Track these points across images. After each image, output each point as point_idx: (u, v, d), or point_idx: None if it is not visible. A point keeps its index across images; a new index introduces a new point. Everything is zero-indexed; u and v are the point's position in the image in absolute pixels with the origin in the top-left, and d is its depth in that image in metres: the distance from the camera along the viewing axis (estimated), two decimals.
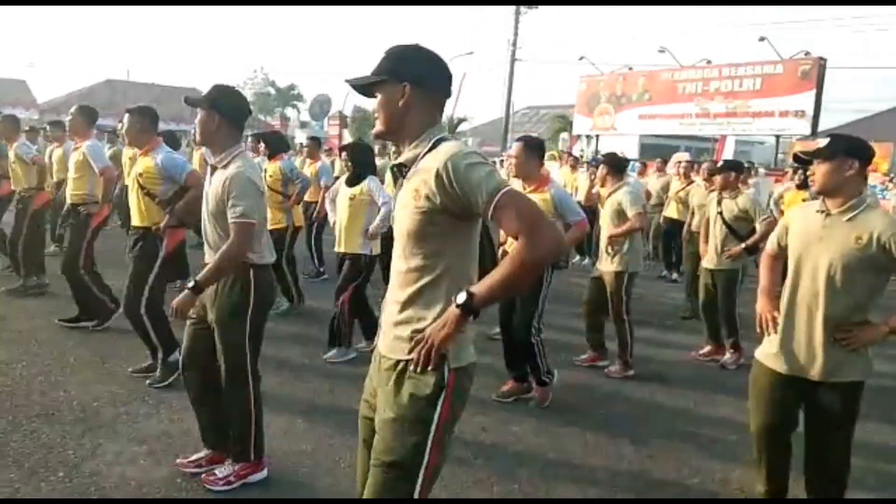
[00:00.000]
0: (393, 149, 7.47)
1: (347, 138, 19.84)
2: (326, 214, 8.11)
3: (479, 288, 1.74)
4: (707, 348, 5.80)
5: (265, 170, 6.35)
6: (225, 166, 2.95)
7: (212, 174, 3.03)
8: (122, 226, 9.93)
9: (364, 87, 1.91)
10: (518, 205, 1.70)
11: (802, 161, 2.85)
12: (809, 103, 18.28)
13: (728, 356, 5.60)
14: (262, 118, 41.18)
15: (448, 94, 1.94)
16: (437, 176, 1.71)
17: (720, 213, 5.52)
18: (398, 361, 1.85)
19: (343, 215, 5.03)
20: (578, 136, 25.19)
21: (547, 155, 15.24)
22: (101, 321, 5.35)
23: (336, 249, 5.15)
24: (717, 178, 5.66)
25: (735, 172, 5.66)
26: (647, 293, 8.41)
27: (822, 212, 2.71)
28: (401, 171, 1.88)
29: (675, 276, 9.22)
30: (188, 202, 4.16)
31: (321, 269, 8.03)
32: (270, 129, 35.77)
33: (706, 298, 5.74)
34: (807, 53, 18.57)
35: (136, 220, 4.29)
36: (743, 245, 5.41)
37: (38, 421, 3.66)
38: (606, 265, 5.15)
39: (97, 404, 3.94)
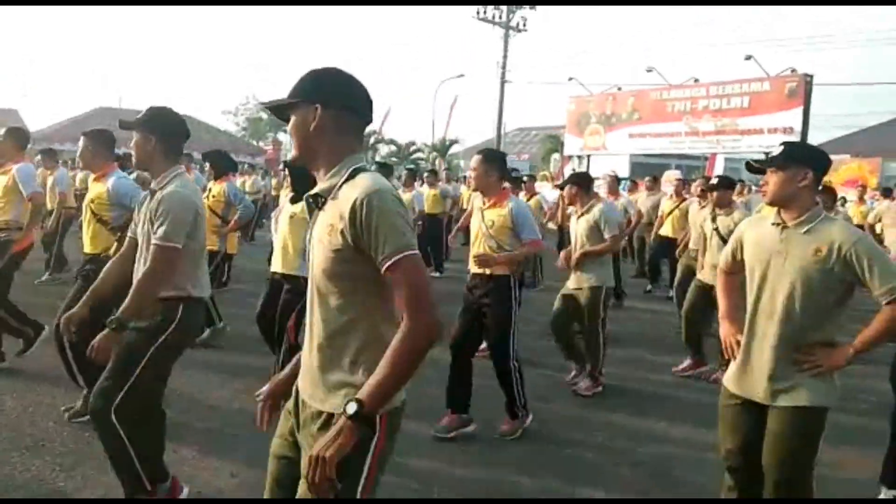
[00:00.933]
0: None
1: None
2: None
3: (368, 392, 1.62)
4: (687, 362, 5.77)
5: (209, 189, 6.22)
6: (162, 188, 2.84)
7: (150, 198, 2.87)
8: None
9: (281, 111, 1.84)
10: (415, 275, 1.64)
11: (756, 170, 2.70)
12: (797, 120, 18.49)
13: (721, 373, 5.55)
14: (255, 143, 41.32)
15: (368, 120, 1.85)
16: (353, 209, 1.63)
17: (716, 229, 5.58)
18: (321, 412, 1.75)
19: (283, 234, 4.69)
20: (570, 157, 25.35)
21: (538, 175, 15.39)
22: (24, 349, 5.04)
23: (272, 269, 4.81)
24: (714, 195, 5.73)
25: (731, 190, 5.81)
26: (638, 313, 8.42)
27: (778, 224, 2.55)
28: (316, 202, 1.77)
29: (670, 293, 9.20)
30: None
31: None
32: (264, 154, 35.98)
33: (692, 310, 5.73)
34: (793, 71, 18.81)
35: (86, 247, 4.16)
36: None
37: (28, 453, 3.60)
38: (581, 282, 5.17)
39: (88, 435, 3.86)
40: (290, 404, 1.89)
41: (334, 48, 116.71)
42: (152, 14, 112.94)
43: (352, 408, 1.60)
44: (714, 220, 5.64)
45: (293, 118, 1.79)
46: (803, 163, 2.51)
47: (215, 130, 36.91)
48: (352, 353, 1.72)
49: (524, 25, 29.02)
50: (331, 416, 1.71)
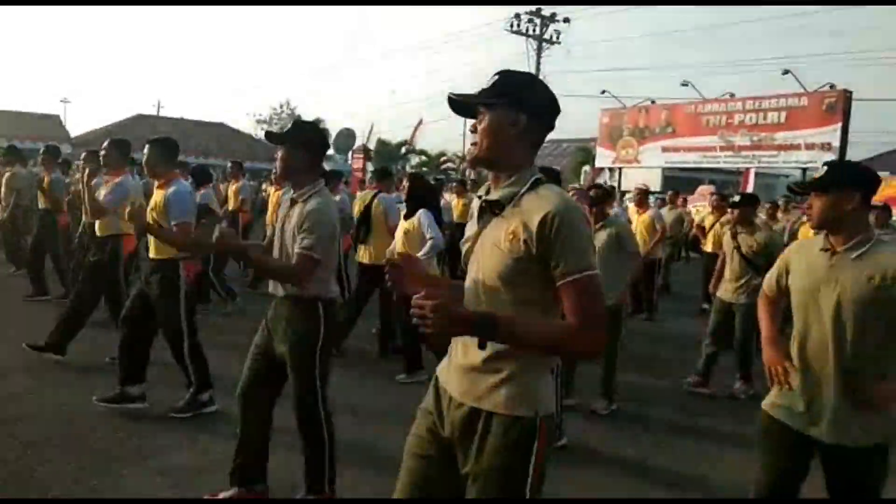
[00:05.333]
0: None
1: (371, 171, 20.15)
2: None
3: (510, 321, 1.63)
4: (695, 378, 5.69)
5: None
6: (305, 200, 3.00)
7: (290, 207, 3.06)
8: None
9: (464, 105, 1.79)
10: (596, 298, 1.64)
11: (797, 193, 2.52)
12: (836, 136, 18.12)
13: (739, 385, 5.60)
14: None
15: (550, 131, 1.83)
16: (543, 222, 1.63)
17: (737, 247, 5.51)
18: (480, 411, 1.74)
19: (397, 247, 5.38)
20: (601, 169, 25.19)
21: (568, 188, 15.26)
22: None
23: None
24: (736, 213, 5.65)
25: (753, 207, 5.76)
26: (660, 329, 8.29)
27: (827, 250, 2.39)
28: (492, 208, 1.75)
29: (705, 305, 9.15)
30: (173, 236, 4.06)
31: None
32: None
33: (717, 330, 5.67)
34: (832, 86, 18.47)
35: (151, 252, 4.27)
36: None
37: (61, 450, 3.67)
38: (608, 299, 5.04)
39: (121, 435, 3.94)
40: (428, 403, 1.90)
41: (365, 56, 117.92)
42: (188, 22, 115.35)
43: (486, 320, 1.59)
44: (735, 237, 5.56)
45: (488, 117, 1.74)
46: (850, 185, 2.34)
47: (249, 138, 37.51)
48: (513, 360, 1.71)
49: (557, 38, 28.99)
50: (487, 414, 1.72)
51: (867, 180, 2.40)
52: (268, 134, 3.19)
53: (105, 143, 5.11)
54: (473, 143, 1.78)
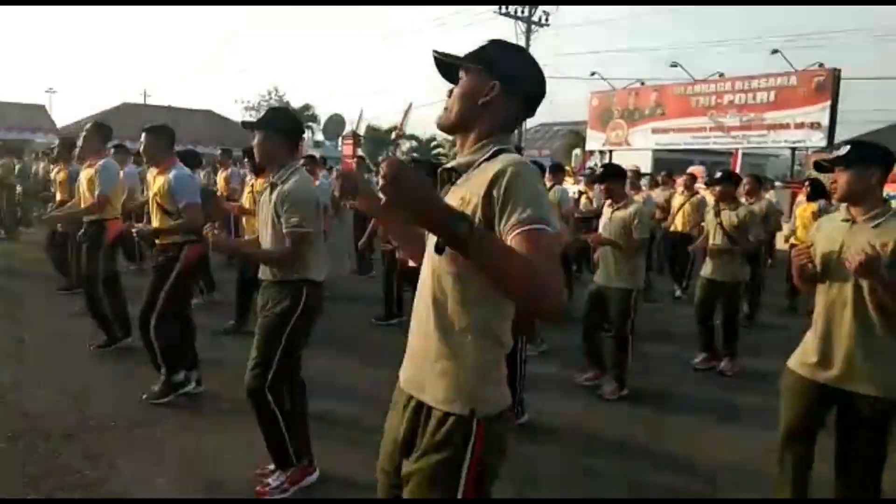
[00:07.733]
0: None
1: None
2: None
3: (486, 233, 1.40)
4: (701, 356, 5.80)
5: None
6: (283, 181, 3.08)
7: (271, 192, 3.12)
8: None
9: (448, 67, 1.68)
10: (550, 256, 1.40)
11: (824, 169, 2.85)
12: (825, 115, 18.18)
13: (725, 363, 5.68)
14: None
15: (530, 114, 1.70)
16: (494, 180, 1.46)
17: (720, 223, 5.58)
18: (423, 405, 1.60)
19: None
20: (592, 152, 25.18)
21: None
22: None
23: None
24: (717, 189, 5.71)
25: (734, 184, 5.82)
26: (651, 311, 8.33)
27: (848, 220, 2.71)
28: (450, 177, 1.63)
29: (678, 292, 8.94)
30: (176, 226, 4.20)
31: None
32: None
33: (702, 307, 5.75)
34: (821, 65, 18.50)
35: (157, 239, 4.33)
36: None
37: (56, 442, 3.67)
38: (615, 281, 4.90)
39: (115, 425, 3.94)
40: (394, 399, 1.75)
41: (353, 42, 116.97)
42: (173, 9, 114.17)
43: (465, 224, 1.35)
44: (717, 214, 5.62)
45: (463, 81, 1.63)
46: (871, 161, 2.66)
47: (237, 126, 37.23)
48: (459, 341, 1.55)
49: (546, 20, 28.82)
50: (430, 408, 1.57)
51: (886, 159, 2.73)
52: (244, 122, 3.27)
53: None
54: (445, 108, 1.66)
